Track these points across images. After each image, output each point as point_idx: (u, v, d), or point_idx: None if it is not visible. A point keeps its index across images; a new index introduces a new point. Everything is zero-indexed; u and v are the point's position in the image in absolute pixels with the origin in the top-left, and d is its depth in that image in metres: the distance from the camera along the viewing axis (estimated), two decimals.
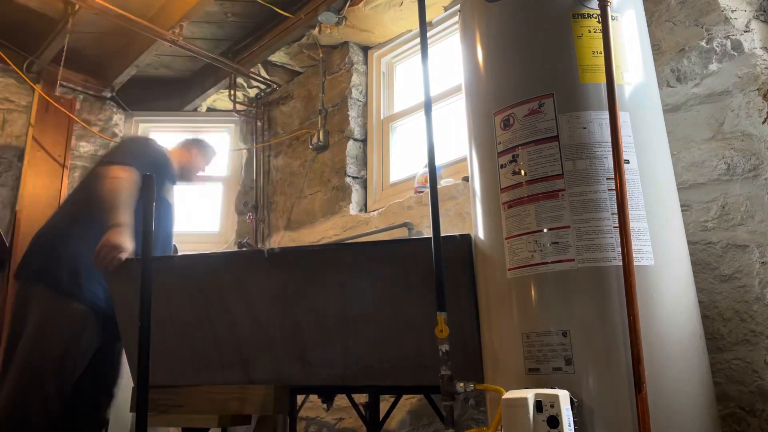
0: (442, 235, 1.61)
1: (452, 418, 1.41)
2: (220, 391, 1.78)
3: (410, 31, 3.30)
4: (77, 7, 3.15)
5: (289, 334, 1.73)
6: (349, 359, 1.71)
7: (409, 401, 2.49)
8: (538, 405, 1.20)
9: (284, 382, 1.75)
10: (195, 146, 2.82)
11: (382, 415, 1.98)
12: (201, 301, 1.81)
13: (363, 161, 3.36)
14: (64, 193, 3.60)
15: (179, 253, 2.52)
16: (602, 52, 1.46)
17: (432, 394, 2.01)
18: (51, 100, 3.63)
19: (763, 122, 1.78)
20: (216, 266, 1.83)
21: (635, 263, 1.32)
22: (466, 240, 1.68)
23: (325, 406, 2.19)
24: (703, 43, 1.94)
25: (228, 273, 1.80)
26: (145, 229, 1.66)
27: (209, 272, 1.82)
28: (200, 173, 2.85)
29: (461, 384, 1.40)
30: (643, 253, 1.35)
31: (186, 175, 2.72)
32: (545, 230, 1.40)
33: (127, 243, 1.95)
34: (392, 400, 2.16)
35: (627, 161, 1.41)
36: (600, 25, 1.49)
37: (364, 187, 3.31)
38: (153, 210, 1.69)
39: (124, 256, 1.91)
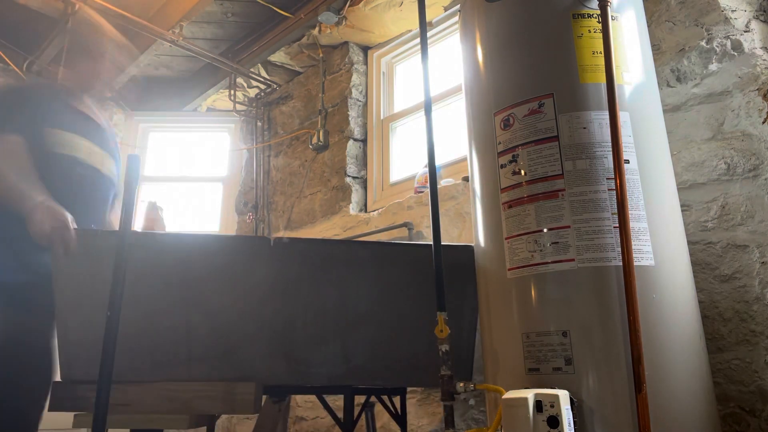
0: (459, 244, 1.60)
1: (452, 418, 1.41)
2: (181, 389, 1.62)
3: (410, 31, 3.31)
4: (77, 7, 3.15)
5: (279, 329, 1.66)
6: (344, 359, 1.69)
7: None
8: (538, 405, 1.20)
9: (266, 381, 1.65)
10: (78, 46, 2.09)
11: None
12: (176, 286, 1.65)
13: (363, 161, 3.36)
14: None
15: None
16: (602, 52, 1.47)
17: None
18: None
19: (763, 122, 1.78)
20: (210, 250, 1.69)
21: (635, 263, 1.32)
22: (471, 250, 1.69)
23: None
24: (703, 43, 1.94)
25: (222, 258, 1.68)
26: (125, 214, 1.46)
27: (198, 255, 1.68)
28: (103, 72, 2.10)
29: (461, 384, 1.40)
30: (643, 253, 1.35)
31: (87, 83, 2.09)
32: (545, 230, 1.40)
33: (61, 213, 1.65)
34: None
35: (627, 161, 1.41)
36: (600, 25, 1.49)
37: (364, 187, 3.31)
38: (135, 192, 1.48)
39: (72, 225, 1.64)
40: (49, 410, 1.68)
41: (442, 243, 1.58)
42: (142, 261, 1.63)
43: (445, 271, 1.53)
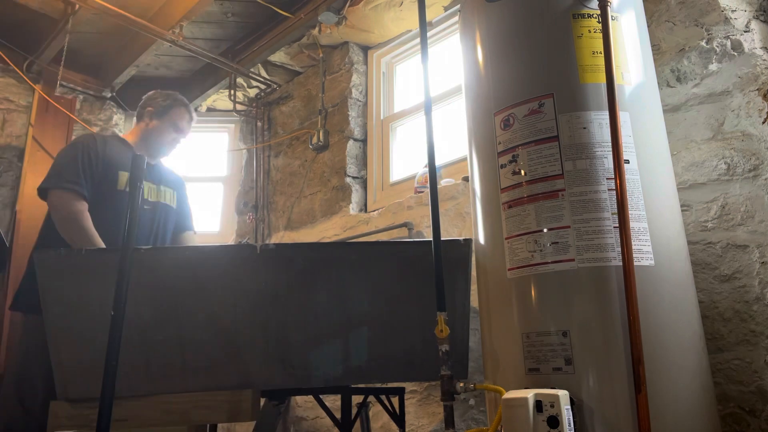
0: (447, 239, 1.60)
1: (452, 418, 1.41)
2: (178, 400, 1.63)
3: (410, 31, 3.30)
4: (77, 7, 3.15)
5: (273, 334, 1.66)
6: (340, 360, 1.69)
7: (412, 401, 2.49)
8: (538, 405, 1.20)
9: (263, 386, 1.66)
10: (150, 108, 2.44)
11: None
12: (168, 300, 1.66)
13: (363, 161, 3.36)
14: None
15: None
16: (602, 52, 1.47)
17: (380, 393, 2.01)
18: (51, 100, 3.63)
19: (763, 122, 1.77)
20: (197, 261, 1.70)
21: (635, 263, 1.32)
22: (468, 244, 1.69)
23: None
24: (703, 43, 1.94)
25: (211, 269, 1.69)
26: (131, 215, 1.47)
27: (185, 267, 1.68)
28: (174, 136, 2.43)
29: (461, 384, 1.40)
30: (643, 253, 1.35)
31: (155, 147, 2.40)
32: (545, 230, 1.40)
33: None
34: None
35: (627, 161, 1.41)
36: (600, 25, 1.49)
37: (364, 187, 3.31)
38: (139, 194, 1.51)
39: None
40: (48, 430, 1.69)
41: (426, 239, 1.58)
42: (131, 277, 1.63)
43: (427, 266, 1.53)
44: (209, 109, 4.29)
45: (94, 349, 1.59)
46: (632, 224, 1.35)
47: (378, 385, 2.01)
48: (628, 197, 1.36)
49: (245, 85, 3.95)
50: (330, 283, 1.70)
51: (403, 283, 1.73)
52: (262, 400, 1.93)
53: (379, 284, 1.72)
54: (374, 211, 3.05)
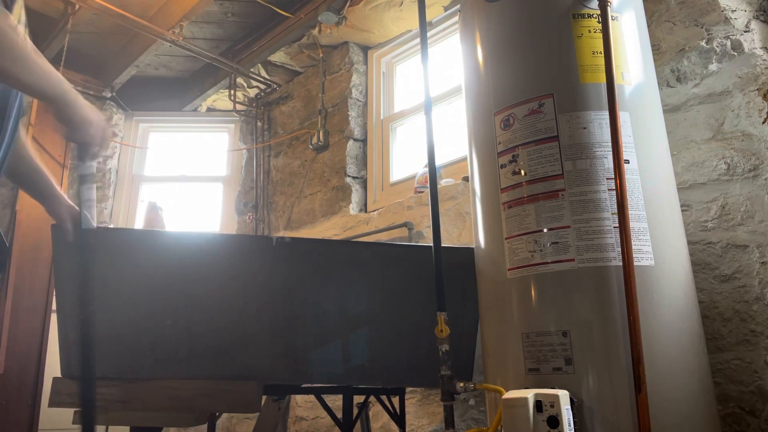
0: (464, 246, 1.58)
1: (452, 418, 1.42)
2: (183, 387, 1.62)
3: (410, 31, 3.30)
4: (77, 7, 3.15)
5: (280, 329, 1.66)
6: (344, 359, 1.69)
7: (410, 401, 2.49)
8: (538, 405, 1.20)
9: (266, 380, 1.66)
10: None
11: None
12: (179, 286, 1.66)
13: (363, 161, 3.36)
14: (64, 193, 3.61)
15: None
16: (602, 52, 1.46)
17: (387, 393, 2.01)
18: None
19: (763, 122, 1.78)
20: (211, 249, 1.70)
21: (635, 263, 1.32)
22: (472, 252, 1.69)
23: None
24: (703, 43, 1.94)
25: (224, 258, 1.69)
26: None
27: (200, 254, 1.68)
28: None
29: (461, 384, 1.40)
30: (643, 253, 1.35)
31: None
32: (545, 230, 1.40)
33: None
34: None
35: (627, 161, 1.41)
36: (600, 25, 1.49)
37: (364, 187, 3.31)
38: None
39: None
40: (49, 406, 1.68)
41: (444, 245, 1.59)
42: (144, 260, 1.63)
43: (446, 273, 1.53)
44: (209, 109, 4.29)
45: (106, 329, 1.57)
46: (632, 224, 1.35)
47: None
48: (628, 197, 1.36)
49: (245, 85, 3.95)
50: (342, 281, 1.70)
51: (414, 286, 1.72)
52: (264, 397, 1.93)
53: (390, 285, 1.72)
54: (374, 211, 3.05)
